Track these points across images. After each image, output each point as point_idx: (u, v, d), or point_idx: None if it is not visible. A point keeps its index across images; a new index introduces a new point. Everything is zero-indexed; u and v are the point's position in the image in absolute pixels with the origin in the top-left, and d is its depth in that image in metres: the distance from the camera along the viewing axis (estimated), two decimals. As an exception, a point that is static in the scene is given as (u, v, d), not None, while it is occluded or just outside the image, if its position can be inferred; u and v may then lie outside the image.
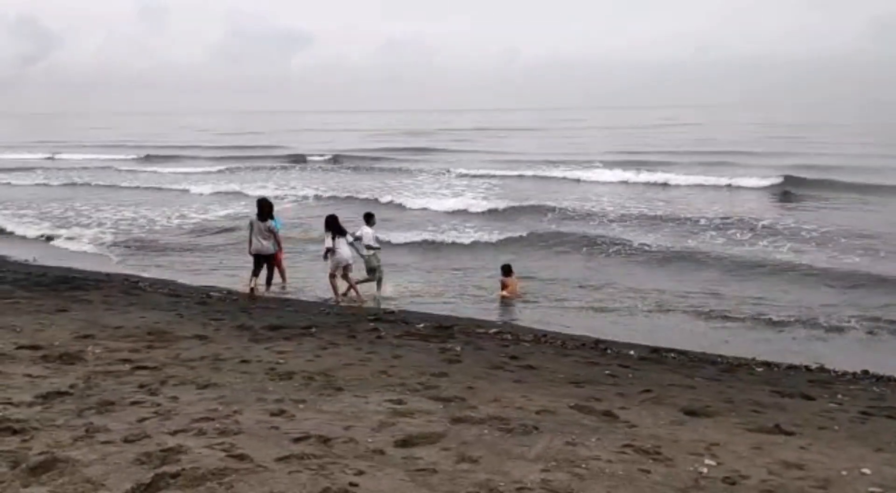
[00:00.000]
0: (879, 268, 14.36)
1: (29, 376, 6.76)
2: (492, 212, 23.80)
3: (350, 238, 13.46)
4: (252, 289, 13.35)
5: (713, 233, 19.28)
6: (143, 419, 5.54)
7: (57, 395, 6.14)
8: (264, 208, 13.59)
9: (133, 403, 6.01)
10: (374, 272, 13.66)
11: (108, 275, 14.60)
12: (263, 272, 13.65)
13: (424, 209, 25.05)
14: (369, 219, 13.97)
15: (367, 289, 13.51)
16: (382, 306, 12.62)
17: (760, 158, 40.01)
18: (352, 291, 13.30)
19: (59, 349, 7.89)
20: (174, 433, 5.19)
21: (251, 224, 13.69)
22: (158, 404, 5.98)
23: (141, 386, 6.55)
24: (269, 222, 13.50)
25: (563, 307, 12.40)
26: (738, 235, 18.96)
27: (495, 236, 19.08)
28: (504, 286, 13.14)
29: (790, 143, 52.90)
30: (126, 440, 5.00)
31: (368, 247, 13.59)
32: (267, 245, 13.48)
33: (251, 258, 13.72)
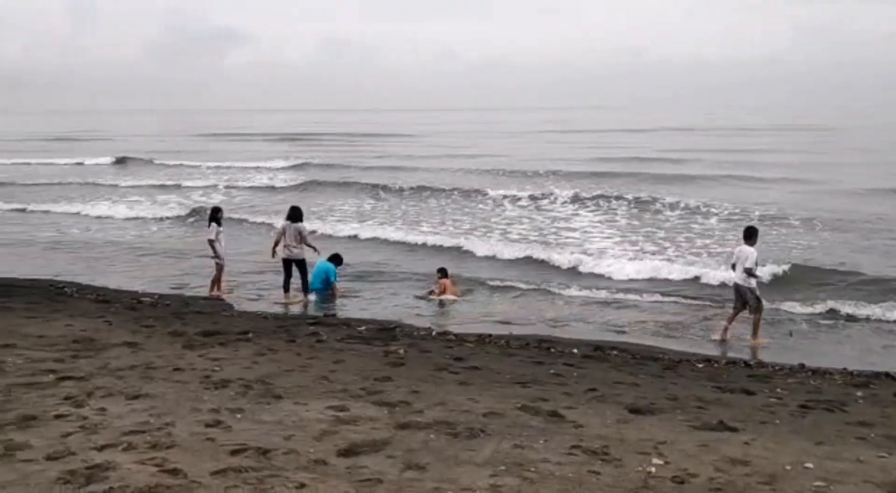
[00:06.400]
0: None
1: (-58, 390, 6.33)
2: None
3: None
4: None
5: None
6: (67, 434, 5.25)
7: (-28, 410, 5.76)
8: (297, 212, 13.05)
9: (57, 416, 5.70)
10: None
11: (31, 280, 13.92)
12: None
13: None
14: (751, 236, 10.39)
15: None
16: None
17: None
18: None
19: (-24, 361, 7.43)
20: (101, 449, 4.94)
21: (283, 229, 12.95)
22: (85, 418, 5.68)
23: (66, 398, 6.22)
24: (301, 225, 12.91)
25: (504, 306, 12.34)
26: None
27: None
28: (442, 289, 13.06)
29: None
30: (49, 458, 4.74)
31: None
32: (297, 251, 12.86)
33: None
